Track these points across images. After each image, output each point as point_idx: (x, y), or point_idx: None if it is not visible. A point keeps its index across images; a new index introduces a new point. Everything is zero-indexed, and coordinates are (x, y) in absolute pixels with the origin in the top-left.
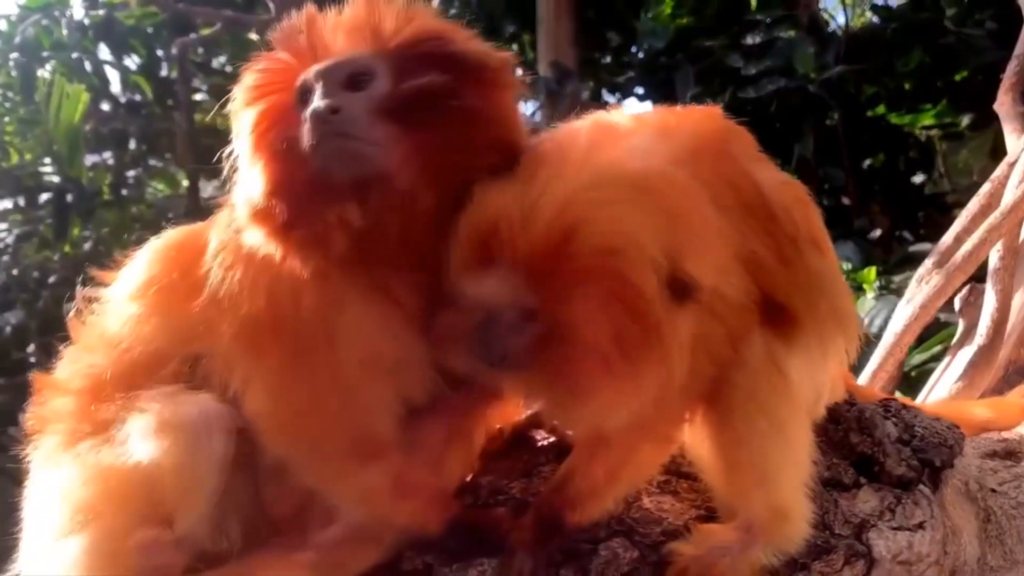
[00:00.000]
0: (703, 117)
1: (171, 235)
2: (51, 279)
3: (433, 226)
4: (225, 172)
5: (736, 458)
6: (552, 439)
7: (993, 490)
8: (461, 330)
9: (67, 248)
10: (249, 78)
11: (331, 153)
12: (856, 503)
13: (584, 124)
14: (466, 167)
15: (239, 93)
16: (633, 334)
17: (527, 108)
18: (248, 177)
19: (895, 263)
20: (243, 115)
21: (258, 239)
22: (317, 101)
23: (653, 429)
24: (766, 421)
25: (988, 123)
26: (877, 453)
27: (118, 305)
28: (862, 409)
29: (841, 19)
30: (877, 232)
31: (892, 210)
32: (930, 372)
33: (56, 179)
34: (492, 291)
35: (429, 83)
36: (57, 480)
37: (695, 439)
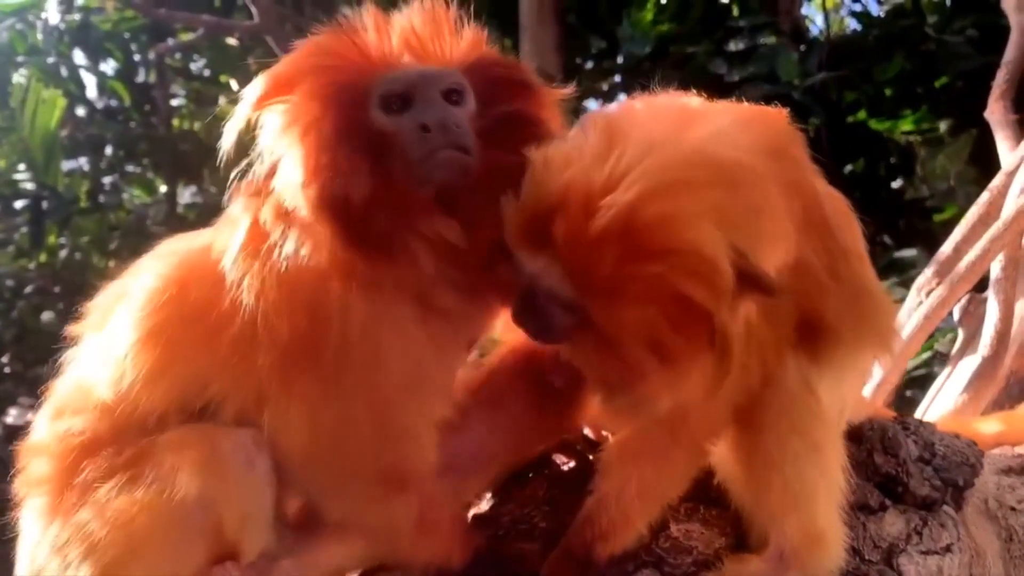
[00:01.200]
0: (775, 116)
1: (163, 271)
2: (27, 288)
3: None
4: (253, 173)
5: (769, 480)
6: (573, 464)
7: (1013, 508)
8: (514, 284)
9: (43, 257)
10: (307, 73)
11: (447, 163)
12: (883, 526)
13: (659, 101)
14: None
15: (298, 84)
16: (676, 346)
17: None
18: (321, 182)
19: (880, 269)
20: (307, 111)
21: (320, 250)
22: (433, 110)
23: (689, 433)
24: (800, 441)
25: (967, 129)
26: (901, 474)
27: (119, 360)
28: (884, 428)
29: (820, 23)
30: None
31: (873, 216)
32: (918, 379)
33: (32, 186)
34: (538, 272)
35: (519, 108)
36: (69, 535)
37: (726, 462)
